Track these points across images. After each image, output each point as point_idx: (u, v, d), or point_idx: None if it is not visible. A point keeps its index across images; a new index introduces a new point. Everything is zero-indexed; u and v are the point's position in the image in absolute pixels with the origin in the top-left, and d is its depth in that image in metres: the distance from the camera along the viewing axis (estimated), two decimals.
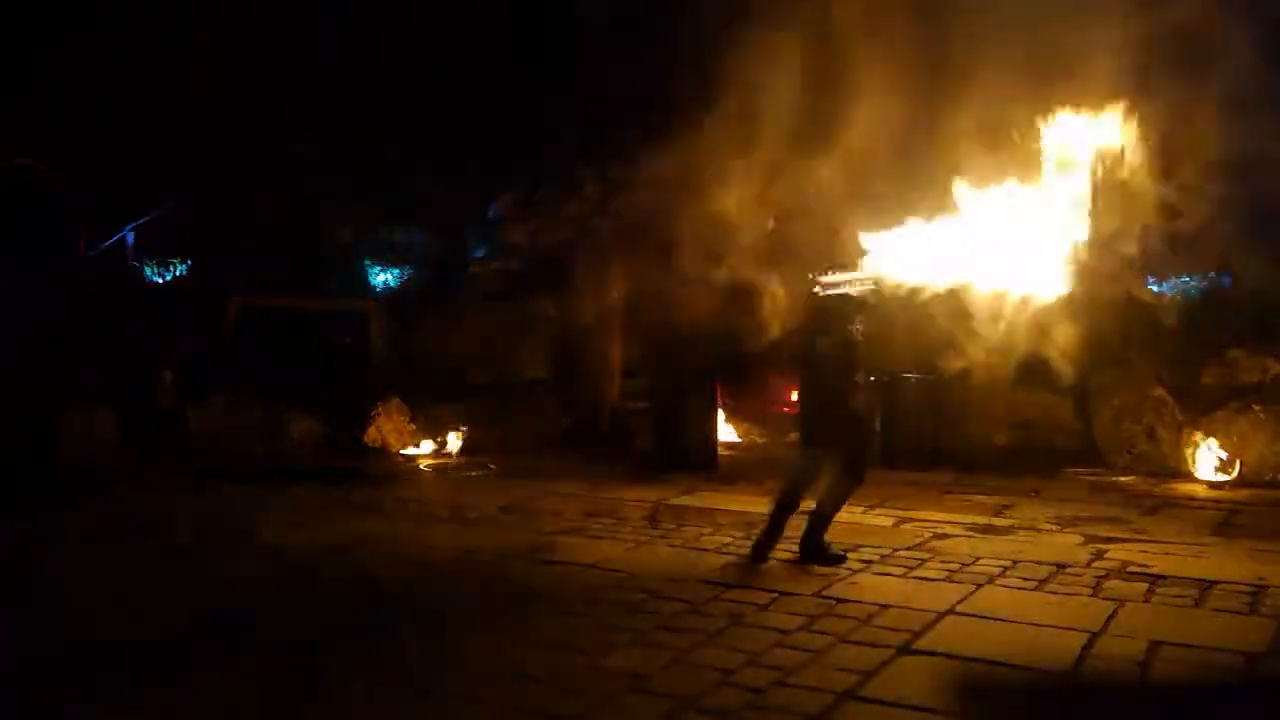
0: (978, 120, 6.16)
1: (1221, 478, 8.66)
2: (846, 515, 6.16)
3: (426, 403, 10.71)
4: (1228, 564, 5.79)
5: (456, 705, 3.63)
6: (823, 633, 4.42)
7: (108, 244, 12.37)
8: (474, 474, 9.34)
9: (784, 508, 5.79)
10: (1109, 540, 6.39)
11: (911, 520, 7.12)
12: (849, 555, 5.82)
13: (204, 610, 4.75)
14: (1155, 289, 10.84)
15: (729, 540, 6.36)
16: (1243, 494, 8.36)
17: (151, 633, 4.40)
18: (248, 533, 6.48)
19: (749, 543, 6.11)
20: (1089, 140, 5.55)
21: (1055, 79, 5.73)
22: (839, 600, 4.95)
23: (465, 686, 3.78)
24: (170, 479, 8.50)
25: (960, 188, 5.83)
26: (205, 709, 3.60)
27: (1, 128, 10.76)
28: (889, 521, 7.09)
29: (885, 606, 4.82)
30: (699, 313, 8.71)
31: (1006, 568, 5.64)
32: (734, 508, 7.59)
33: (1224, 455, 8.78)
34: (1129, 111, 5.43)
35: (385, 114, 14.19)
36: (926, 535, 6.59)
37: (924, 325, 11.54)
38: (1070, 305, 5.90)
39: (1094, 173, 5.52)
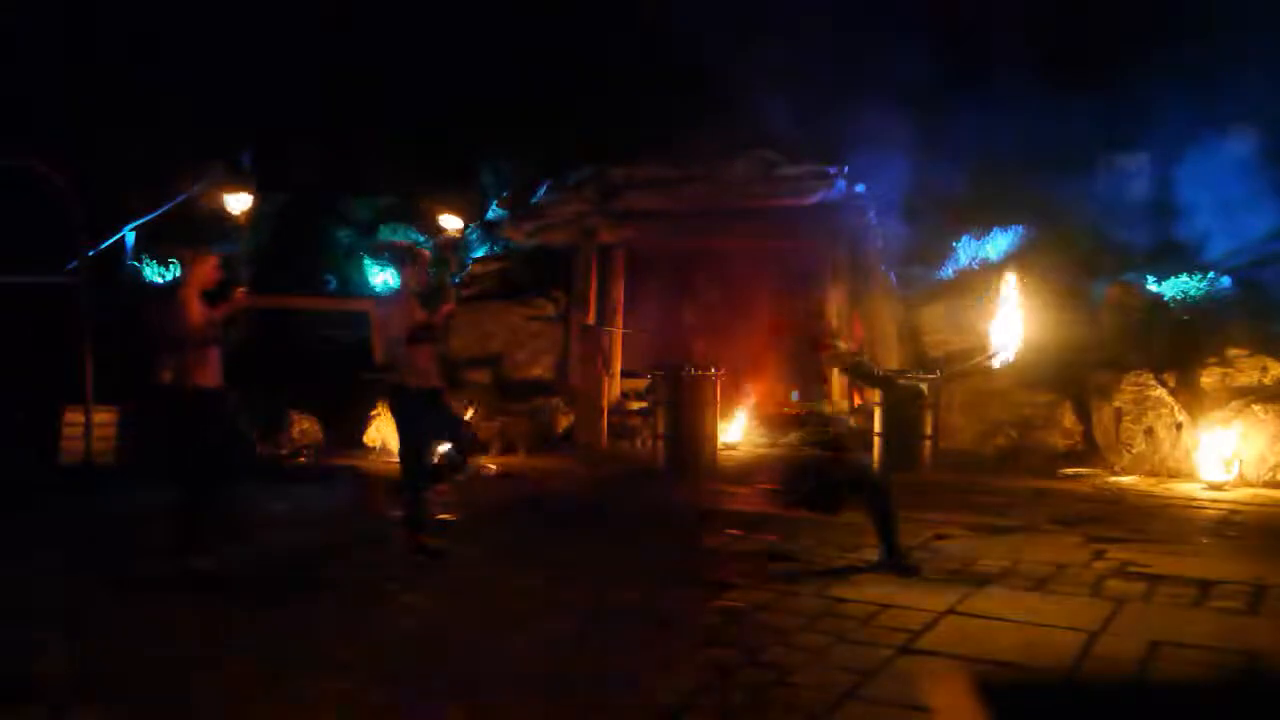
0: None
1: (1221, 477, 8.66)
2: (846, 515, 6.18)
3: None
4: (1227, 564, 5.79)
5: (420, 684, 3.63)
6: (823, 632, 4.42)
7: (108, 244, 12.35)
8: (474, 474, 9.33)
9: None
10: (1109, 540, 6.38)
11: (911, 520, 7.11)
12: (849, 555, 5.81)
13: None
14: (1155, 288, 10.85)
15: (728, 540, 6.36)
16: (1243, 494, 8.36)
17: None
18: (247, 533, 6.48)
19: (745, 541, 6.12)
20: None
21: None
22: (839, 600, 4.95)
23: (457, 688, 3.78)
24: (168, 479, 8.49)
25: None
26: None
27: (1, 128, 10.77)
28: None
29: (885, 606, 4.81)
30: None
31: (1006, 568, 5.64)
32: (732, 507, 7.60)
33: (1224, 455, 8.78)
34: None
35: (386, 112, 14.21)
36: (927, 535, 6.58)
37: (923, 327, 11.62)
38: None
39: None
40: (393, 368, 5.77)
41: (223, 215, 6.16)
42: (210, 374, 5.44)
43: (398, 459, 5.94)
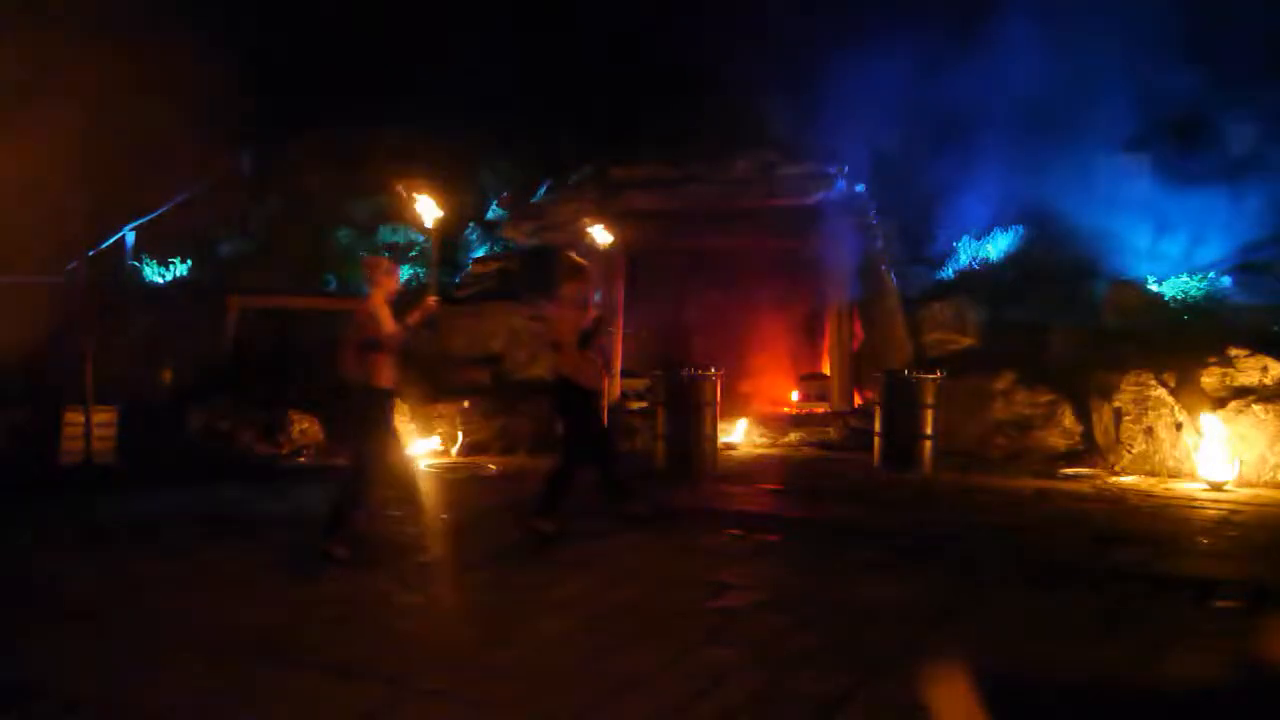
0: None
1: (1222, 477, 8.65)
2: (841, 513, 6.20)
3: (426, 403, 10.71)
4: (1227, 564, 5.79)
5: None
6: (822, 631, 4.42)
7: (108, 243, 12.36)
8: (474, 474, 9.34)
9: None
10: (1110, 540, 6.38)
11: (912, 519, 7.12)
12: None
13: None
14: (1155, 288, 10.84)
15: (726, 540, 6.36)
16: (1243, 494, 8.36)
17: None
18: (247, 533, 6.49)
19: (745, 541, 6.11)
20: None
21: None
22: (838, 602, 4.94)
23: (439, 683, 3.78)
24: (168, 478, 8.50)
25: None
26: None
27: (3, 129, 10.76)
28: (891, 521, 7.08)
29: (886, 607, 4.81)
30: None
31: (1008, 568, 5.64)
32: (732, 507, 7.60)
33: (1224, 455, 8.78)
34: None
35: (386, 112, 14.21)
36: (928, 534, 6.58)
37: (924, 326, 11.62)
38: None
39: None
40: (559, 369, 6.49)
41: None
42: (390, 374, 5.86)
43: (565, 448, 6.57)
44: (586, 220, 7.76)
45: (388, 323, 5.81)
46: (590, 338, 6.46)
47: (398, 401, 10.48)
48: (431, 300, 6.14)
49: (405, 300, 6.14)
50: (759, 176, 12.46)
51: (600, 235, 7.36)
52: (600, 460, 6.70)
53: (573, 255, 7.00)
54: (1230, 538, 6.64)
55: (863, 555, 5.94)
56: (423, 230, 6.42)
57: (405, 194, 6.53)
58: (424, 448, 10.34)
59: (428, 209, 6.47)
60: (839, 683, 3.75)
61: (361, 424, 5.86)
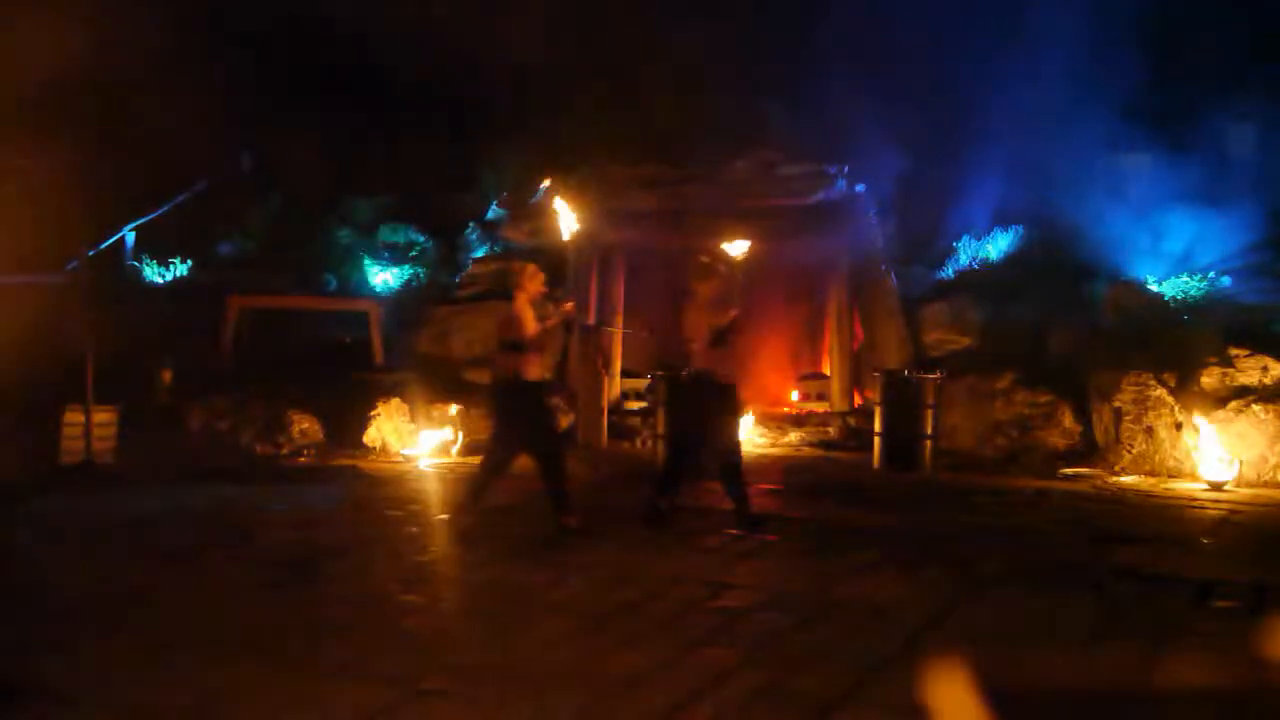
0: None
1: (1221, 477, 8.66)
2: (841, 513, 6.19)
3: (426, 403, 10.71)
4: (1227, 564, 5.79)
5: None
6: (823, 632, 4.42)
7: (108, 243, 12.35)
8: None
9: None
10: (1110, 540, 6.38)
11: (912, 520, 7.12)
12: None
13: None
14: (1155, 288, 10.85)
15: (726, 540, 6.36)
16: (1243, 494, 8.36)
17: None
18: (247, 533, 6.49)
19: (745, 541, 6.12)
20: None
21: None
22: (838, 601, 4.94)
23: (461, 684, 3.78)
24: (168, 479, 8.49)
25: None
26: None
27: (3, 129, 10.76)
28: (891, 521, 7.08)
29: (886, 606, 4.81)
30: None
31: (1008, 567, 5.64)
32: (730, 506, 7.58)
33: (1224, 455, 8.78)
34: None
35: (386, 111, 14.21)
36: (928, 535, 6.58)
37: (924, 327, 11.63)
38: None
39: None
40: (673, 365, 6.98)
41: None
42: (538, 370, 6.52)
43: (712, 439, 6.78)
44: (726, 232, 8.25)
45: (530, 324, 6.38)
46: (725, 335, 6.67)
47: (399, 401, 10.58)
48: (569, 305, 6.89)
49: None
50: (759, 176, 12.45)
51: (735, 247, 7.79)
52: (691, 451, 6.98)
53: (703, 258, 7.21)
54: (1230, 538, 6.64)
55: (863, 555, 5.94)
56: (557, 239, 7.38)
57: (549, 203, 7.19)
58: (425, 447, 10.33)
59: (567, 220, 7.15)
60: (839, 683, 3.75)
61: (516, 415, 6.50)
